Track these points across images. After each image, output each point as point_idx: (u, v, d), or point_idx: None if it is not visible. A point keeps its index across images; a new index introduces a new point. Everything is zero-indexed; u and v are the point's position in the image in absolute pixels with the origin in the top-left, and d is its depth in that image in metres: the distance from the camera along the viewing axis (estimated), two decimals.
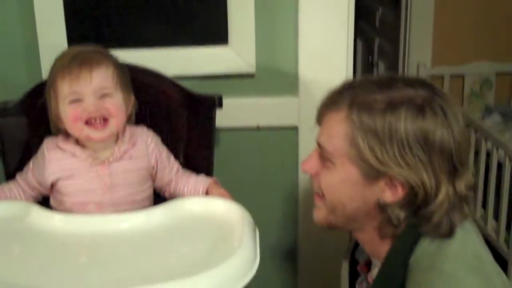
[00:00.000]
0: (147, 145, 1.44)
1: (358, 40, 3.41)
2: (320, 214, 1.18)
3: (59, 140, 1.40)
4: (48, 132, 1.45)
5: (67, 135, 1.40)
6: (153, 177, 1.47)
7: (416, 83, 1.11)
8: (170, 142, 1.52)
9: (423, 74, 2.85)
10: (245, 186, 1.76)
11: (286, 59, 1.70)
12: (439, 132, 1.06)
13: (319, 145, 1.16)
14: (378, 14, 3.26)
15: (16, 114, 1.51)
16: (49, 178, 1.39)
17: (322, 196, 1.17)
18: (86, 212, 1.38)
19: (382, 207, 1.11)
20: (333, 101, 1.14)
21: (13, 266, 1.19)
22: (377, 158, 1.07)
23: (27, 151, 1.50)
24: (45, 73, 1.61)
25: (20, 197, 1.43)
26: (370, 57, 3.34)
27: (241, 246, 1.18)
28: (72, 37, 1.67)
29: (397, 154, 1.06)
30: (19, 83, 1.65)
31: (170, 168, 1.48)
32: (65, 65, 1.33)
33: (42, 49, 1.66)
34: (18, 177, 1.45)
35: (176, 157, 1.52)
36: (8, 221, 1.31)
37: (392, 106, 1.07)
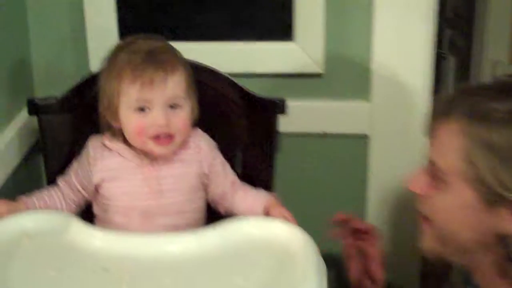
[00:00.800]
0: (200, 149, 1.30)
1: None
2: (427, 241, 1.04)
3: (105, 138, 1.28)
4: (96, 132, 1.31)
5: (114, 132, 1.27)
6: (205, 187, 1.32)
7: None
8: (226, 149, 1.37)
9: (500, 72, 2.61)
10: (307, 199, 1.62)
11: (358, 57, 1.53)
12: None
13: (430, 161, 1.01)
14: (450, 2, 3.02)
15: (59, 111, 1.38)
16: (93, 179, 1.27)
17: (430, 220, 1.02)
18: (130, 221, 1.26)
19: (502, 239, 0.96)
20: (445, 110, 0.99)
21: None
22: (498, 180, 0.92)
23: (71, 153, 1.36)
24: (93, 63, 1.48)
25: (60, 205, 1.30)
26: (438, 49, 3.10)
27: (305, 282, 1.03)
28: (124, 23, 1.52)
29: None
30: (64, 73, 1.53)
31: (224, 178, 1.33)
32: (136, 63, 1.19)
33: (90, 37, 1.52)
34: (60, 180, 1.32)
35: (233, 167, 1.36)
36: (45, 235, 1.18)
37: None
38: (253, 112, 1.38)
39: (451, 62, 3.05)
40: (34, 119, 1.38)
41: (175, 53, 1.25)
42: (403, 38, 1.50)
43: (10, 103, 1.44)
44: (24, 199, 1.27)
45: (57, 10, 1.52)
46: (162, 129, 1.20)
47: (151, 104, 1.19)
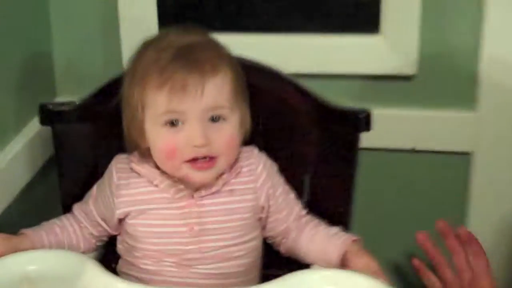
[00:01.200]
0: (256, 175, 1.03)
1: None
2: None
3: (133, 159, 1.03)
4: (123, 149, 1.06)
5: (143, 153, 1.02)
6: (262, 223, 1.05)
7: None
8: (291, 173, 1.09)
9: None
10: (393, 233, 1.35)
11: (462, 56, 1.24)
12: None
13: None
14: None
15: (78, 120, 1.12)
16: (117, 211, 1.02)
17: None
18: (162, 270, 1.00)
19: None
20: None
21: None
22: None
23: (92, 172, 1.11)
24: (126, 62, 1.21)
25: (76, 240, 1.05)
26: None
27: None
28: (165, 13, 1.28)
29: None
30: (92, 74, 1.30)
31: (288, 212, 1.05)
32: (164, 63, 0.94)
33: (123, 29, 1.28)
34: (77, 208, 1.07)
35: (299, 195, 1.09)
36: (51, 282, 0.93)
37: None
38: (326, 126, 1.10)
39: None
40: (49, 129, 1.13)
41: (217, 49, 0.98)
42: None
43: (23, 108, 1.20)
44: (29, 233, 1.01)
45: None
46: (199, 150, 0.95)
47: (185, 117, 0.94)
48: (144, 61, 0.96)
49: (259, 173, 1.03)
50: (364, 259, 0.96)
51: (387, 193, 1.35)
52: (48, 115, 1.11)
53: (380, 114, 1.15)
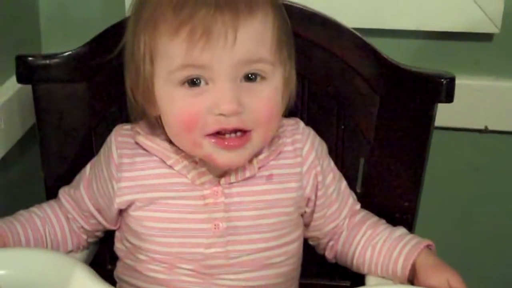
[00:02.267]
0: (303, 157, 0.81)
1: None
2: None
3: (140, 131, 0.81)
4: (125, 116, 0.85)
5: (152, 123, 0.80)
6: (305, 220, 0.84)
7: None
8: (342, 152, 0.88)
9: None
10: (461, 227, 1.15)
11: None
12: None
13: None
14: None
15: (67, 77, 0.87)
16: (117, 199, 0.80)
17: None
18: (177, 279, 0.78)
19: None
20: None
21: None
22: None
23: (86, 147, 0.89)
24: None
25: (62, 235, 0.84)
26: None
27: None
28: None
29: None
30: (87, 20, 1.06)
31: (339, 207, 0.84)
32: (183, 3, 0.70)
33: None
34: (64, 194, 0.86)
35: (351, 181, 0.87)
36: None
37: None
38: (395, 94, 0.85)
39: None
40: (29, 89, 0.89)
41: None
42: None
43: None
44: (1, 225, 0.79)
45: None
46: (229, 120, 0.71)
47: (209, 73, 0.71)
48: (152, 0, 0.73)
49: (305, 154, 0.80)
50: (443, 274, 0.74)
51: (452, 177, 1.13)
52: (28, 71, 0.87)
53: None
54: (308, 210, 0.82)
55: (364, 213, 0.85)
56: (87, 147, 0.88)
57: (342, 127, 0.87)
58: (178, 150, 0.77)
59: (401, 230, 0.82)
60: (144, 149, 0.79)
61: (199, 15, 0.68)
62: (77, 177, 0.85)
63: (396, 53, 0.89)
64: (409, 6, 1.01)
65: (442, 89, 0.82)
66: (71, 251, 0.85)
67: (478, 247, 1.16)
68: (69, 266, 0.75)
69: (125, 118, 0.85)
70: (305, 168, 0.80)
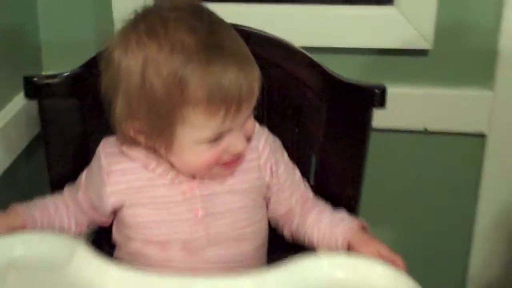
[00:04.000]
0: (259, 151, 0.95)
1: None
2: None
3: (123, 142, 0.92)
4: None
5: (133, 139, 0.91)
6: (267, 203, 0.99)
7: None
8: (297, 150, 1.03)
9: None
10: (400, 216, 1.31)
11: (481, 31, 1.18)
12: None
13: None
14: None
15: (66, 94, 1.03)
16: (109, 201, 0.93)
17: None
18: (168, 257, 0.93)
19: None
20: None
21: None
22: None
23: (84, 151, 1.04)
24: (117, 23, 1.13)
25: (68, 222, 0.97)
26: None
27: None
28: None
29: None
30: (82, 44, 1.21)
31: (291, 193, 0.98)
32: (213, 80, 0.81)
33: None
34: (68, 193, 0.99)
35: (305, 174, 1.01)
36: (39, 268, 0.87)
37: None
38: (338, 102, 1.02)
39: None
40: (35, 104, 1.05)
41: (241, 40, 0.87)
42: None
43: (6, 84, 1.13)
44: (21, 211, 0.93)
45: None
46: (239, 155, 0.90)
47: (231, 130, 0.86)
48: (168, 60, 0.81)
49: (261, 150, 0.95)
50: (372, 247, 0.89)
51: (397, 177, 1.29)
52: (34, 88, 1.02)
53: (391, 92, 1.06)
54: (268, 195, 0.97)
55: (315, 200, 0.99)
56: (84, 152, 1.02)
57: (297, 130, 1.03)
58: (157, 157, 0.90)
59: (343, 214, 0.96)
60: (128, 156, 0.91)
61: (234, 100, 0.81)
62: (76, 182, 0.97)
63: (344, 68, 1.05)
64: (354, 26, 1.16)
65: (375, 97, 0.98)
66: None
67: (407, 233, 1.31)
68: (74, 245, 0.88)
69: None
70: (262, 161, 0.94)
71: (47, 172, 1.06)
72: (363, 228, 0.94)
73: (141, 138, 0.88)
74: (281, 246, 1.00)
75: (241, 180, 0.93)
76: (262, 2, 1.18)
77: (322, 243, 0.94)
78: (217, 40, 0.83)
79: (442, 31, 1.16)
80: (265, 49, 1.00)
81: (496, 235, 1.29)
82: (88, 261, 0.86)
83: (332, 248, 0.93)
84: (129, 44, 0.83)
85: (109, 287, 0.83)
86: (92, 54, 1.03)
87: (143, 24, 0.84)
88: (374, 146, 1.09)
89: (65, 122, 1.04)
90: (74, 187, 0.98)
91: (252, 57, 0.85)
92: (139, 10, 0.87)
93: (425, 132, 1.23)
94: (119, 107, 0.86)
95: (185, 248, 0.92)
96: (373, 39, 1.17)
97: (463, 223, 1.31)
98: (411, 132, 1.23)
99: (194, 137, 0.84)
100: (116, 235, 0.97)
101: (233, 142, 0.86)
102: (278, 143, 0.98)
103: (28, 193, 1.04)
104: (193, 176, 0.91)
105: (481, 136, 1.22)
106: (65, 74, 1.03)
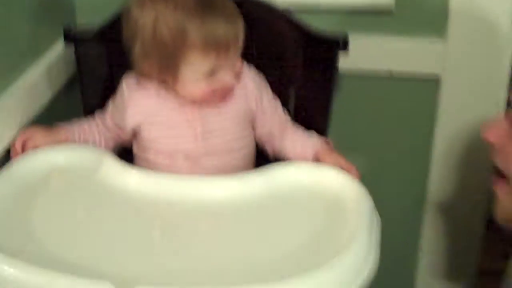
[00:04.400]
0: (246, 84, 1.18)
1: None
2: (502, 203, 0.92)
3: (140, 76, 1.15)
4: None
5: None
6: (252, 124, 1.22)
7: None
8: (278, 87, 1.24)
9: None
10: (363, 146, 1.49)
11: None
12: None
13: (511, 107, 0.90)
14: None
15: (96, 42, 1.27)
16: (130, 121, 1.16)
17: (506, 177, 0.91)
18: (173, 163, 1.16)
19: None
20: None
21: (71, 231, 0.98)
22: None
23: (109, 86, 1.26)
24: None
25: (99, 140, 1.21)
26: None
27: (355, 239, 0.91)
28: None
29: None
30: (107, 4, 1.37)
31: (272, 116, 1.21)
32: (206, 28, 1.05)
33: None
34: (98, 116, 1.23)
35: (285, 105, 1.24)
36: (76, 172, 1.10)
37: None
38: (311, 49, 1.25)
39: None
40: (72, 50, 1.29)
41: None
42: None
43: (46, 32, 1.34)
44: (64, 129, 1.18)
45: None
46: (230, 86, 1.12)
47: (222, 67, 1.09)
48: (178, 15, 1.04)
49: (248, 82, 1.17)
50: (333, 157, 1.12)
51: (361, 111, 1.47)
52: (71, 36, 1.27)
53: (360, 42, 1.30)
54: (253, 118, 1.18)
55: (292, 124, 1.21)
56: (111, 88, 1.21)
57: (279, 73, 1.25)
58: (166, 87, 1.11)
59: (314, 134, 1.19)
60: (144, 87, 1.13)
61: (222, 41, 1.05)
62: (104, 110, 1.20)
63: (322, 25, 1.26)
64: None
65: (339, 42, 1.22)
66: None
67: (368, 163, 1.38)
68: (102, 154, 1.12)
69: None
70: (249, 91, 1.16)
71: (82, 102, 1.29)
72: (327, 144, 1.17)
73: (154, 73, 1.11)
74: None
75: (231, 106, 1.15)
76: None
77: (295, 156, 1.17)
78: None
79: None
80: (252, 9, 1.22)
81: (450, 162, 1.46)
82: (114, 166, 1.10)
83: (304, 159, 1.15)
84: (144, 4, 1.07)
85: (129, 185, 1.07)
86: (112, 11, 1.25)
87: None
88: (344, 86, 1.31)
89: (96, 64, 1.28)
90: (102, 113, 1.21)
91: (237, 13, 1.07)
92: None
93: (390, 74, 1.41)
94: (137, 51, 1.09)
95: (187, 158, 1.15)
96: (344, 1, 1.36)
97: (420, 159, 1.48)
98: (378, 76, 1.41)
99: (194, 72, 1.08)
100: (135, 148, 1.20)
101: (224, 77, 1.09)
102: (261, 79, 1.19)
103: (67, 117, 1.26)
104: (194, 102, 1.14)
105: (436, 78, 1.39)
106: (97, 27, 1.26)
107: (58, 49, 1.34)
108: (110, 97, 1.22)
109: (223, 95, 1.13)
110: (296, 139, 1.20)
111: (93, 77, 1.29)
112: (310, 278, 0.84)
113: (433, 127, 1.45)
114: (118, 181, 1.08)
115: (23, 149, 1.13)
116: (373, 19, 1.38)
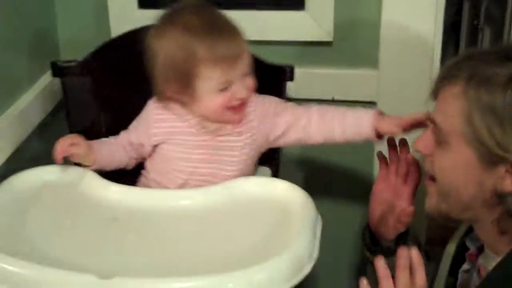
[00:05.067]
0: (255, 118, 1.27)
1: (464, 1, 3.15)
2: (431, 201, 1.08)
3: (164, 102, 1.25)
4: (113, 94, 1.40)
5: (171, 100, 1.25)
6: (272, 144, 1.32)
7: None
8: None
9: None
10: (314, 164, 1.64)
11: (366, 27, 1.53)
12: None
13: (433, 122, 1.06)
14: None
15: (80, 73, 1.43)
16: (154, 138, 1.26)
17: (434, 180, 1.07)
18: (175, 180, 1.27)
19: (501, 197, 0.99)
20: (450, 73, 1.03)
21: (60, 235, 1.12)
22: (495, 140, 0.96)
23: (92, 113, 1.43)
24: (113, 30, 1.55)
25: (124, 155, 1.30)
26: (475, 21, 3.06)
27: (299, 237, 1.07)
28: None
29: None
30: (88, 39, 1.57)
31: (296, 126, 1.28)
32: (213, 45, 1.15)
33: (111, 6, 1.60)
34: (122, 134, 1.30)
35: None
36: (63, 186, 1.25)
37: None
38: (262, 78, 1.37)
39: (487, 34, 3.00)
40: (58, 81, 1.45)
41: (227, 17, 1.21)
42: (412, 8, 1.50)
43: (36, 66, 1.51)
44: (96, 146, 1.25)
45: None
46: (243, 100, 1.21)
47: (232, 82, 1.19)
48: (188, 40, 1.14)
49: (257, 115, 1.26)
50: (390, 120, 1.23)
51: None
52: (57, 69, 1.42)
53: (305, 72, 1.49)
54: (276, 143, 1.28)
55: (316, 108, 1.27)
56: (93, 111, 1.39)
57: None
58: (187, 111, 1.20)
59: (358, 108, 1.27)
60: (169, 109, 1.22)
61: (229, 57, 1.15)
62: (128, 128, 1.26)
63: (273, 56, 1.42)
64: (278, 25, 1.52)
65: (287, 73, 1.39)
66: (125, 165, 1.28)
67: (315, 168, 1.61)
68: (84, 172, 1.23)
69: (117, 99, 1.37)
70: (258, 126, 1.25)
71: (68, 129, 1.43)
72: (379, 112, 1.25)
73: (173, 95, 1.19)
74: None
75: (242, 139, 1.25)
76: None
77: (347, 131, 1.25)
78: (214, 20, 1.17)
79: (340, 28, 1.51)
80: None
81: None
82: (95, 181, 1.23)
83: (361, 130, 1.24)
84: (158, 33, 1.18)
85: (108, 196, 1.19)
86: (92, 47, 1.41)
87: (167, 20, 1.19)
88: None
89: (80, 94, 1.43)
90: (126, 131, 1.28)
91: (239, 30, 1.17)
92: (164, 13, 1.21)
93: (333, 100, 1.56)
94: (157, 76, 1.19)
95: (200, 176, 1.25)
96: (291, 34, 1.53)
97: (364, 177, 1.61)
98: (323, 101, 1.54)
99: (208, 86, 1.16)
100: (148, 164, 1.29)
101: (237, 91, 1.17)
102: (272, 99, 1.28)
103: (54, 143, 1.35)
104: (211, 132, 1.22)
105: (372, 103, 1.54)
106: (80, 60, 1.41)
107: (46, 80, 1.52)
108: (95, 125, 1.39)
109: (238, 110, 1.20)
110: (343, 116, 1.26)
111: (77, 103, 1.43)
112: (261, 268, 0.99)
113: (374, 146, 1.54)
114: (98, 194, 1.22)
115: (65, 151, 1.20)
116: (315, 52, 1.55)
